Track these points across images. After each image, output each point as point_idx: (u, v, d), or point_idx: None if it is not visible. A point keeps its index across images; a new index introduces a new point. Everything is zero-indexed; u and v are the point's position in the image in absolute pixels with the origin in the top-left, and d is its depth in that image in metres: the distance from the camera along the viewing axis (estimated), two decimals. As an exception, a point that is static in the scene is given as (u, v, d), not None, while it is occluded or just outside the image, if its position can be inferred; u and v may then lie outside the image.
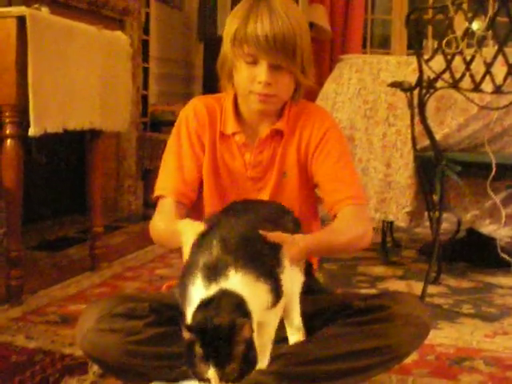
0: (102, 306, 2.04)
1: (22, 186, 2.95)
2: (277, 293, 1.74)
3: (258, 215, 1.93)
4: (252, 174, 2.20)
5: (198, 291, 1.65)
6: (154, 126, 5.83)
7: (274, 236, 1.82)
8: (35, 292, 3.16)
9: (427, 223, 3.83)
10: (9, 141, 2.90)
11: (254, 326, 1.64)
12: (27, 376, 2.23)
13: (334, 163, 2.18)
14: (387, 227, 4.20)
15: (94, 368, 2.26)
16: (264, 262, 1.74)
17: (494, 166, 3.06)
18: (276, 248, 1.80)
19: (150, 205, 5.18)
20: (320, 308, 2.08)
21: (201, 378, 1.58)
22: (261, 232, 1.81)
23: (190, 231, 1.86)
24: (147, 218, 4.92)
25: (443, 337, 2.73)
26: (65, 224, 4.74)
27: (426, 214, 3.71)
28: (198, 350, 1.55)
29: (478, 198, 3.60)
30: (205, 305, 1.61)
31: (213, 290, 1.63)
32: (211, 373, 1.55)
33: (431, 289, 3.34)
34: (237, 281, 1.65)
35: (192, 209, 2.23)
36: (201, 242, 1.77)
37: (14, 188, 2.91)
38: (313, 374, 1.96)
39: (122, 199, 5.28)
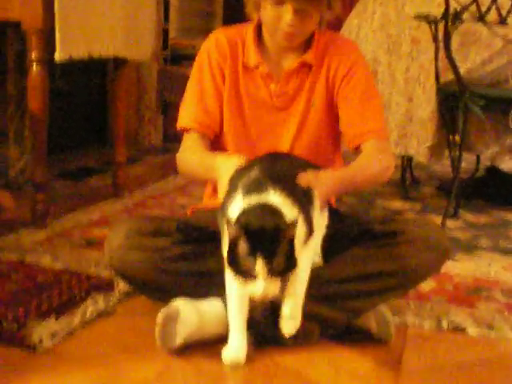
0: (131, 223, 2.09)
1: (47, 110, 2.97)
2: (310, 226, 1.81)
3: (290, 163, 1.99)
4: (277, 103, 2.21)
5: (240, 203, 1.76)
6: (175, 60, 5.81)
7: (301, 177, 1.87)
8: (59, 217, 3.20)
9: (446, 162, 3.85)
10: (35, 66, 2.91)
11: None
12: (54, 294, 2.27)
13: (360, 96, 2.19)
14: (406, 164, 4.21)
15: (120, 286, 2.32)
16: (299, 195, 1.82)
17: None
18: (308, 189, 1.87)
19: (170, 138, 5.20)
20: (341, 233, 2.11)
21: (246, 274, 1.70)
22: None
23: (227, 166, 1.95)
24: (167, 150, 5.02)
25: (461, 268, 2.77)
26: (85, 155, 4.77)
27: (446, 151, 3.73)
28: (243, 246, 1.69)
29: (498, 135, 3.59)
30: (248, 209, 1.73)
31: (254, 199, 1.74)
32: (259, 265, 1.67)
33: (449, 223, 3.38)
34: (276, 199, 1.74)
35: (213, 144, 2.26)
36: (239, 173, 1.88)
37: (40, 112, 2.94)
38: (333, 294, 2.03)
39: (143, 132, 5.30)
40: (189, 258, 2.03)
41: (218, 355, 1.92)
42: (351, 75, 2.19)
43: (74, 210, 3.34)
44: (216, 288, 2.01)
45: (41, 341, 1.98)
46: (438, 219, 3.31)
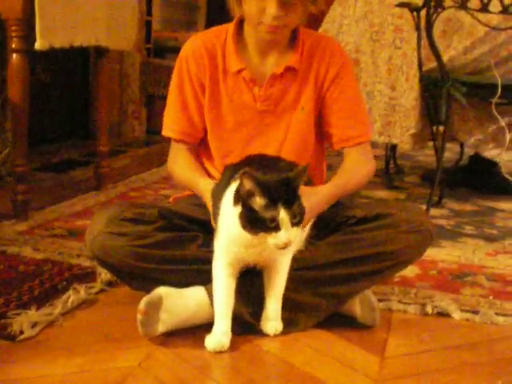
0: (112, 210, 2.07)
1: (27, 99, 2.95)
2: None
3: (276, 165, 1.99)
4: (262, 107, 2.17)
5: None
6: (158, 53, 5.80)
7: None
8: (41, 208, 3.18)
9: (430, 151, 3.84)
10: (15, 55, 2.88)
11: None
12: (36, 283, 2.26)
13: (349, 100, 2.19)
14: (390, 153, 4.21)
15: (102, 276, 2.30)
16: None
17: (499, 86, 3.06)
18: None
19: (154, 130, 5.18)
20: (325, 218, 2.10)
21: (266, 228, 1.73)
22: None
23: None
24: (150, 143, 5.01)
25: (445, 254, 2.78)
26: (67, 148, 4.73)
27: (429, 140, 3.73)
28: (260, 200, 1.73)
29: (481, 123, 3.60)
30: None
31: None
32: (282, 212, 1.72)
33: (434, 211, 3.38)
34: None
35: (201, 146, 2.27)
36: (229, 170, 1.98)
37: (20, 102, 2.91)
38: (317, 279, 2.03)
39: (126, 125, 5.28)
40: (170, 244, 2.01)
41: (200, 342, 1.91)
42: (340, 79, 2.18)
43: (56, 202, 3.32)
44: (198, 276, 2.00)
45: (21, 331, 1.96)
46: (422, 208, 3.30)
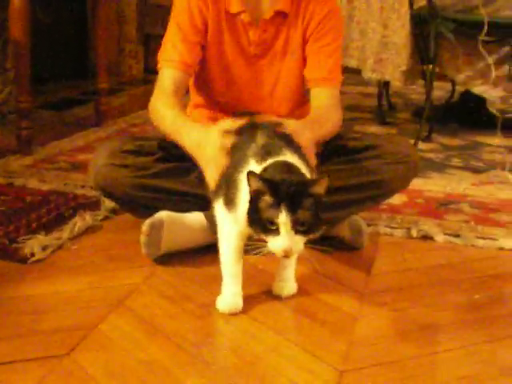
0: (113, 143, 2.19)
1: (29, 38, 3.04)
2: None
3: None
4: (255, 51, 2.22)
5: (255, 168, 1.70)
6: (153, -8, 5.82)
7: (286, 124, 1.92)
8: (44, 144, 3.30)
9: (422, 89, 3.93)
10: (15, -6, 2.97)
11: None
12: (43, 212, 2.38)
13: (325, 46, 2.21)
14: (383, 91, 4.29)
15: (107, 204, 2.42)
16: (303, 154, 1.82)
17: (485, 23, 3.15)
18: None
19: (151, 70, 5.24)
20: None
21: (268, 230, 1.62)
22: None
23: (211, 141, 1.89)
24: (148, 82, 5.07)
25: (432, 184, 2.91)
26: (67, 87, 4.80)
27: (421, 78, 3.82)
28: (267, 199, 1.61)
29: (470, 60, 3.67)
30: (270, 166, 1.69)
31: (270, 161, 1.70)
32: (282, 217, 1.58)
33: (423, 145, 3.50)
34: (292, 159, 1.73)
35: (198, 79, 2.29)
36: (239, 145, 1.84)
37: (22, 40, 3.01)
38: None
39: (124, 64, 5.35)
40: (171, 174, 2.13)
41: (200, 263, 2.06)
42: (322, 25, 2.21)
43: (58, 138, 3.43)
44: (197, 204, 2.11)
45: (32, 253, 2.09)
46: (409, 140, 3.39)
